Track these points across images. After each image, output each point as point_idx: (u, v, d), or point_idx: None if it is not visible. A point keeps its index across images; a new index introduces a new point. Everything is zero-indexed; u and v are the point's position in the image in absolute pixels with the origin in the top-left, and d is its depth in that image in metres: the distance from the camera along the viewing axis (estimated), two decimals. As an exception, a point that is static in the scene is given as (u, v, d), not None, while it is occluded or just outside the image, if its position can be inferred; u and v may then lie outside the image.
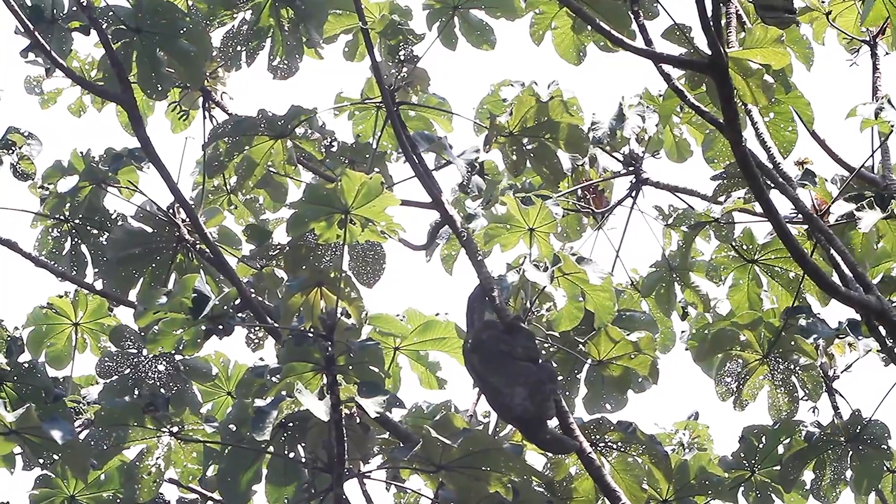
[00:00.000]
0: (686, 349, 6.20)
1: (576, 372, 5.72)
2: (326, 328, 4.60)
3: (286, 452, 4.79)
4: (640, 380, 5.59)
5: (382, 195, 4.75)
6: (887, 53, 6.31)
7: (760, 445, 5.43)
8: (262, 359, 4.94)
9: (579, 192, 6.84)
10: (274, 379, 4.57)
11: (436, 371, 5.88)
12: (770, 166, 5.30)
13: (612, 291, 5.37)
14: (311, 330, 4.66)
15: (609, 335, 5.51)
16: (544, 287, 5.21)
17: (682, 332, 6.55)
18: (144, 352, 5.46)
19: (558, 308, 5.36)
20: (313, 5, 5.64)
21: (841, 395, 5.99)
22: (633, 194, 6.86)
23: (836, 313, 5.94)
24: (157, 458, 4.89)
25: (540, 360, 4.83)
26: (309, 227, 4.89)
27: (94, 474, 4.96)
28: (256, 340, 5.95)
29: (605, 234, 6.82)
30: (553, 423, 4.86)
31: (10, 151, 5.95)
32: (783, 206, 5.22)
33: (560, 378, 5.67)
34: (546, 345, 5.53)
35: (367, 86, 6.29)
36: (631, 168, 6.84)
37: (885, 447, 5.39)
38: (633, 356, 5.52)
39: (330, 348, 4.53)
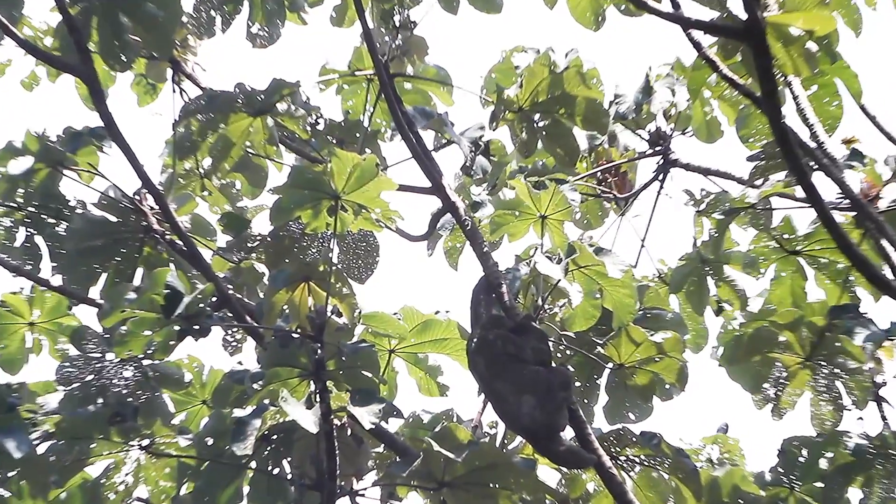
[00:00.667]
0: (716, 352, 6.32)
1: (594, 377, 5.78)
2: (315, 328, 4.64)
3: (270, 468, 4.86)
4: (666, 386, 5.66)
5: (377, 179, 4.79)
6: (949, 18, 6.44)
7: (801, 459, 5.48)
8: (241, 363, 5.00)
9: (599, 174, 6.89)
10: (255, 386, 4.62)
11: (436, 376, 5.95)
12: (813, 145, 5.32)
13: (633, 287, 5.40)
14: (298, 330, 4.72)
15: (631, 336, 5.56)
16: (558, 281, 5.23)
17: (717, 346, 6.60)
18: (109, 356, 5.52)
19: (573, 305, 5.41)
20: (296, -39, 5.82)
21: (890, 403, 5.99)
22: (661, 177, 6.88)
23: (886, 311, 6.19)
24: (126, 475, 4.99)
25: (552, 364, 4.87)
26: (294, 215, 4.91)
27: (55, 492, 5.00)
28: (234, 343, 6.02)
29: (628, 222, 6.90)
30: (568, 434, 4.91)
31: (-47, 132, 5.98)
32: (828, 190, 5.26)
33: (577, 384, 5.77)
34: (561, 347, 5.62)
35: (357, 56, 6.43)
36: (658, 147, 6.87)
37: (941, 462, 5.45)
38: (657, 360, 5.58)
39: (319, 351, 4.58)
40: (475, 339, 4.88)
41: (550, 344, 5.06)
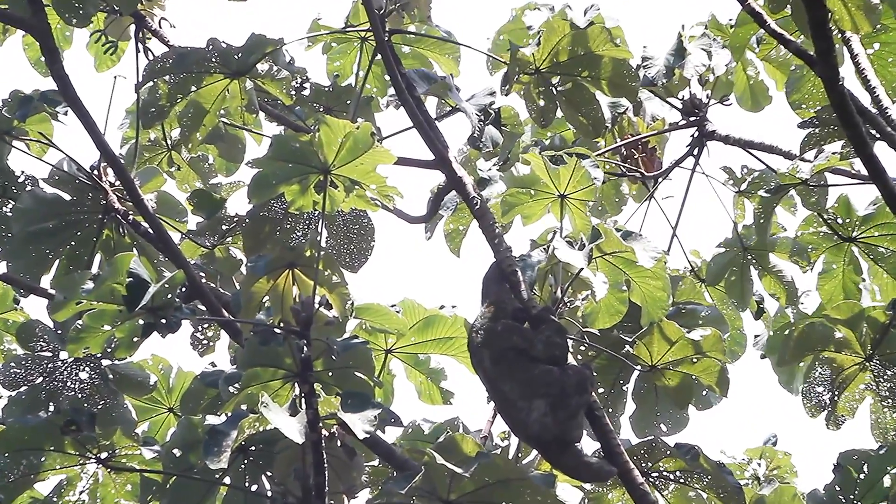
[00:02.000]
0: (760, 353, 6.28)
1: (621, 382, 5.79)
2: (300, 323, 4.61)
3: (247, 484, 4.86)
4: (703, 392, 5.64)
5: (373, 150, 4.76)
6: None
7: (861, 476, 5.34)
8: (213, 363, 4.98)
9: (623, 150, 6.83)
10: (231, 389, 4.62)
11: (439, 381, 5.98)
12: (875, 112, 5.33)
13: (666, 278, 5.34)
14: (281, 325, 4.68)
15: (664, 334, 5.52)
16: (580, 271, 5.18)
17: (756, 337, 6.62)
18: (63, 355, 5.52)
19: (597, 298, 5.35)
20: None
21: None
22: (696, 152, 6.86)
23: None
24: (81, 492, 4.97)
25: (567, 363, 4.83)
26: (277, 192, 4.90)
27: (0, 512, 5.02)
28: (206, 341, 6.09)
29: (658, 204, 6.85)
30: (593, 445, 4.92)
31: None
32: (892, 164, 5.36)
33: (601, 389, 5.76)
34: (582, 347, 5.62)
35: (353, 12, 6.44)
36: (693, 118, 6.84)
37: None
38: (694, 361, 5.53)
39: (305, 349, 4.57)
40: (481, 331, 4.86)
41: (568, 340, 4.99)
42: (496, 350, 4.78)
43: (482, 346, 4.81)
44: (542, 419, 4.65)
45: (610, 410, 5.72)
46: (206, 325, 6.03)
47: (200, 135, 5.78)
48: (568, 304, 5.51)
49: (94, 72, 6.66)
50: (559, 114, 6.15)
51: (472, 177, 5.47)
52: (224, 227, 6.06)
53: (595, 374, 5.58)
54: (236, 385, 4.64)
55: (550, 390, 4.69)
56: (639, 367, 5.62)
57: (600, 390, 5.81)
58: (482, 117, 5.99)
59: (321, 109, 6.35)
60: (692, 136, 6.90)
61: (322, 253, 4.86)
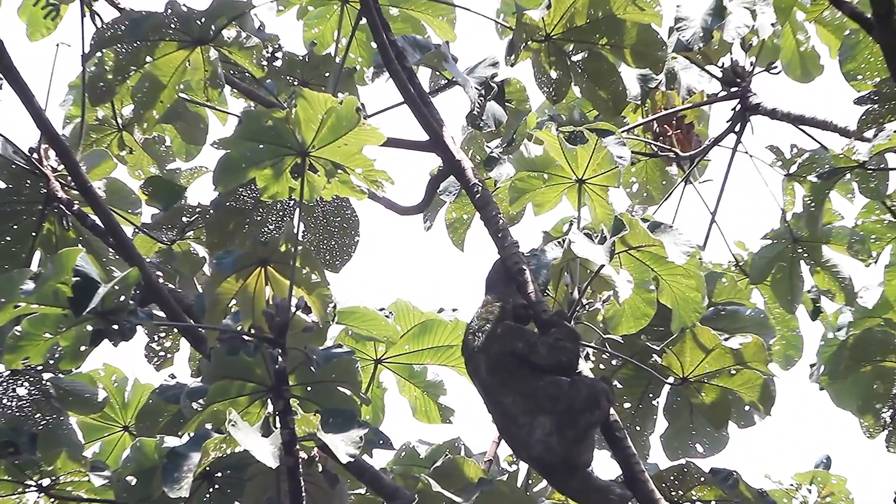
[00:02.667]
0: (817, 372, 6.26)
1: (650, 395, 5.81)
2: (274, 329, 4.63)
3: (213, 515, 4.80)
4: (745, 408, 5.64)
5: (359, 129, 4.76)
6: None
7: (927, 505, 5.52)
8: (173, 376, 5.04)
9: (655, 126, 6.82)
10: (195, 405, 4.66)
11: (437, 395, 6.01)
12: (942, 83, 5.40)
13: (700, 276, 5.36)
14: (251, 332, 4.72)
15: (699, 341, 5.55)
16: (600, 268, 5.20)
17: (815, 365, 6.58)
18: (-2, 367, 5.40)
19: (620, 300, 5.34)
20: None
21: None
22: (738, 128, 6.85)
23: None
24: (19, 525, 5.00)
25: (577, 373, 4.82)
26: (246, 178, 4.90)
27: (-75, 549, 5.13)
28: (163, 352, 6.10)
29: (696, 188, 6.85)
30: (614, 470, 4.89)
31: None
32: None
33: (627, 405, 5.79)
34: (604, 356, 5.62)
35: None
36: (734, 89, 6.85)
37: None
38: (733, 372, 5.57)
39: (279, 359, 4.60)
40: (478, 333, 4.87)
41: (581, 346, 4.99)
42: (494, 356, 4.78)
43: (479, 352, 4.81)
44: (546, 439, 4.65)
45: (638, 429, 5.76)
46: (163, 333, 6.04)
47: (157, 113, 5.77)
48: (586, 306, 5.53)
49: (30, 38, 6.65)
50: (576, 87, 6.16)
51: (478, 156, 5.52)
52: (184, 220, 6.04)
53: (619, 386, 5.77)
54: (200, 401, 4.67)
55: (557, 406, 4.68)
56: (670, 380, 5.65)
57: (625, 405, 5.82)
58: (483, 92, 5.98)
59: (296, 83, 6.33)
60: (733, 109, 6.90)
61: (299, 248, 4.85)
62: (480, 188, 5.31)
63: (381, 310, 5.73)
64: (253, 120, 4.81)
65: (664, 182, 7.07)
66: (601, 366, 5.75)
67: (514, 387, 4.71)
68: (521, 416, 4.67)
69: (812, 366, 6.55)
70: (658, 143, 6.85)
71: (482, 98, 5.98)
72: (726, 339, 5.56)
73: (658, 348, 5.61)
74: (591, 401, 4.69)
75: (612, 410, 4.81)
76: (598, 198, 5.43)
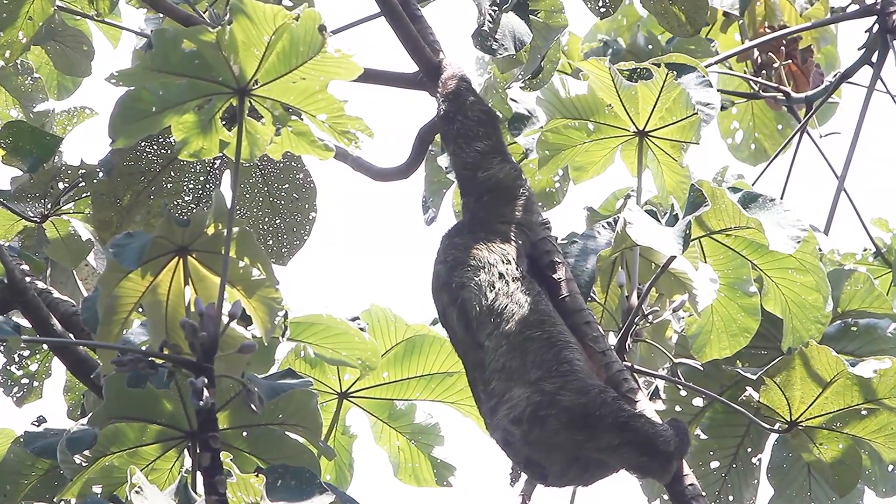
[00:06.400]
0: None
1: (747, 450, 5.56)
2: (198, 348, 4.29)
3: None
4: (890, 468, 5.34)
5: (323, 56, 4.42)
6: None
7: None
8: (42, 418, 4.90)
9: (757, 54, 6.37)
10: (79, 459, 4.47)
11: (430, 446, 5.70)
12: None
13: (821, 270, 5.03)
14: (164, 352, 4.40)
15: (813, 367, 5.05)
16: (670, 261, 4.85)
17: None
18: None
19: (699, 307, 4.93)
20: None
21: None
22: (874, 58, 6.38)
23: None
24: None
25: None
26: (156, 127, 4.54)
27: None
28: (26, 381, 5.87)
29: (816, 144, 6.36)
30: None
31: None
32: None
33: (715, 464, 5.53)
34: (679, 388, 5.22)
35: None
36: (871, 1, 6.40)
37: None
38: (864, 413, 5.10)
39: (205, 392, 4.25)
40: (447, 260, 4.67)
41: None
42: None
43: (441, 289, 4.64)
44: (509, 427, 4.38)
45: (731, 498, 5.48)
46: (28, 352, 5.90)
47: (25, 34, 5.64)
48: (650, 317, 5.04)
49: None
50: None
51: (498, 111, 5.06)
52: (60, 186, 5.80)
53: (703, 436, 5.53)
54: (87, 452, 4.46)
55: (544, 382, 4.38)
56: (770, 427, 5.15)
57: (713, 464, 5.57)
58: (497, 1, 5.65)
59: (227, -1, 6.08)
60: (869, 31, 6.48)
61: (234, 230, 4.46)
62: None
63: (353, 319, 5.44)
64: (167, 43, 4.43)
65: (780, 126, 6.73)
66: (677, 407, 5.44)
67: (505, 321, 4.51)
68: (494, 376, 4.43)
69: None
70: (760, 80, 6.37)
71: (495, 7, 5.58)
72: (855, 365, 5.04)
73: (755, 377, 5.06)
74: (585, 417, 4.32)
75: (686, 468, 4.35)
76: (667, 158, 5.06)
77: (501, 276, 4.58)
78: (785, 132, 6.78)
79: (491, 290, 4.55)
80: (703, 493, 4.42)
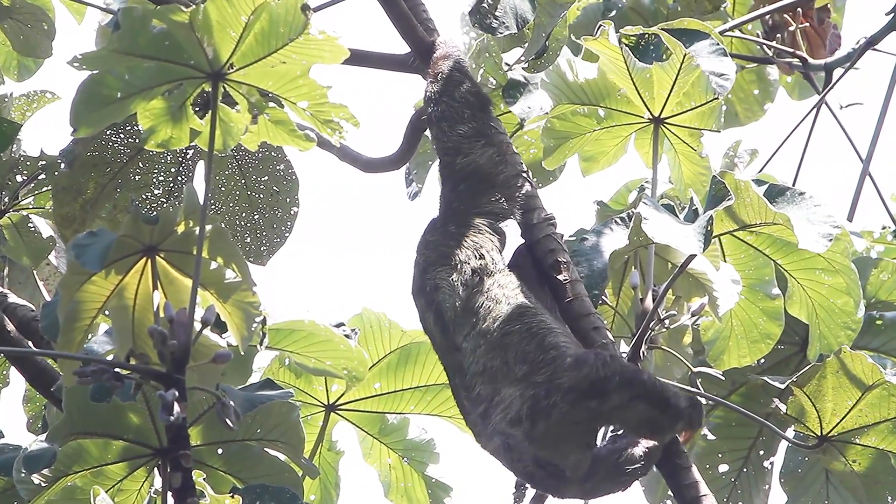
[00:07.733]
0: None
1: (759, 452, 5.49)
2: (168, 358, 4.28)
3: None
4: None
5: (305, 38, 4.37)
6: None
7: None
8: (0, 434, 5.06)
9: (773, 18, 6.26)
10: (37, 479, 4.49)
11: (425, 464, 5.59)
12: None
13: (853, 272, 4.89)
14: (131, 362, 4.39)
15: (849, 373, 4.85)
16: (689, 260, 4.77)
17: None
18: None
19: (720, 311, 4.86)
20: None
21: None
22: None
23: None
24: None
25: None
26: (123, 115, 4.51)
27: None
28: None
29: (835, 116, 6.24)
30: None
31: None
32: None
33: (724, 467, 5.47)
34: (701, 397, 4.84)
35: None
36: None
37: None
38: None
39: (176, 406, 4.23)
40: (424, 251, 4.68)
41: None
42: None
43: (418, 293, 4.56)
44: (507, 429, 4.29)
45: None
46: None
47: None
48: (666, 321, 4.95)
49: None
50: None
51: (493, 79, 5.12)
52: (19, 178, 5.78)
53: (711, 437, 5.46)
54: (46, 471, 4.50)
55: (534, 374, 4.30)
56: (801, 442, 4.96)
57: (720, 468, 5.47)
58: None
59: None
60: None
61: (207, 228, 4.41)
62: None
63: (338, 326, 5.34)
64: (135, 22, 4.39)
65: (758, 92, 6.57)
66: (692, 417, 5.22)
67: (482, 320, 4.43)
68: (476, 381, 4.36)
69: None
70: (775, 45, 6.32)
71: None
72: (888, 370, 4.89)
73: (782, 385, 4.87)
74: (592, 385, 4.27)
75: (697, 475, 4.35)
76: (685, 147, 4.96)
77: (475, 272, 4.49)
78: (762, 97, 6.60)
79: (465, 289, 4.46)
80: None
